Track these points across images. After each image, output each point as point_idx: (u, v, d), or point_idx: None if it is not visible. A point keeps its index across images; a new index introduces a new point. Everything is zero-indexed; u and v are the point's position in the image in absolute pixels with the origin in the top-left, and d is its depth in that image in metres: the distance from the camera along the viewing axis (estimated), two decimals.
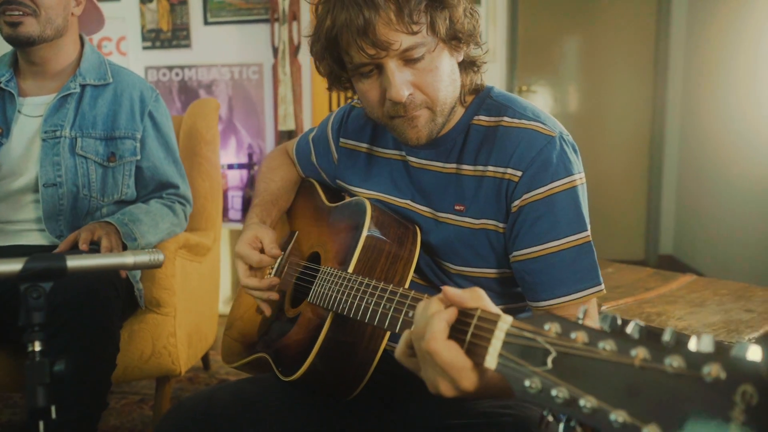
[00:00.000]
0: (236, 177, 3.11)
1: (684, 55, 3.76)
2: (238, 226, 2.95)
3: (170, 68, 3.15)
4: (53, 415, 0.71)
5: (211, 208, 2.05)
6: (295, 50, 2.96)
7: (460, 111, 0.99)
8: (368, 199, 1.07)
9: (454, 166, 0.98)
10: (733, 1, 3.09)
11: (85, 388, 1.21)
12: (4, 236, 1.51)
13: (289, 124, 2.97)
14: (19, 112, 1.51)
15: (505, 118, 0.95)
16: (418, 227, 1.02)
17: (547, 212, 0.90)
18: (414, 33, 0.85)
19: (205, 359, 2.24)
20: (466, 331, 0.63)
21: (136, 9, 3.11)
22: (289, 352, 1.00)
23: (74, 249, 1.33)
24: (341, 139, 1.16)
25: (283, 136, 2.99)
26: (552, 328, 0.55)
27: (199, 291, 1.91)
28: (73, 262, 0.75)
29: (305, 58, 3.02)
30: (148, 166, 1.60)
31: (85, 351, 1.22)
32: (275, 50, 2.97)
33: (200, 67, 3.13)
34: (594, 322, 0.91)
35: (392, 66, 0.87)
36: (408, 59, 0.87)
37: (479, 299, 0.64)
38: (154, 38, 3.12)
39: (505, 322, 0.59)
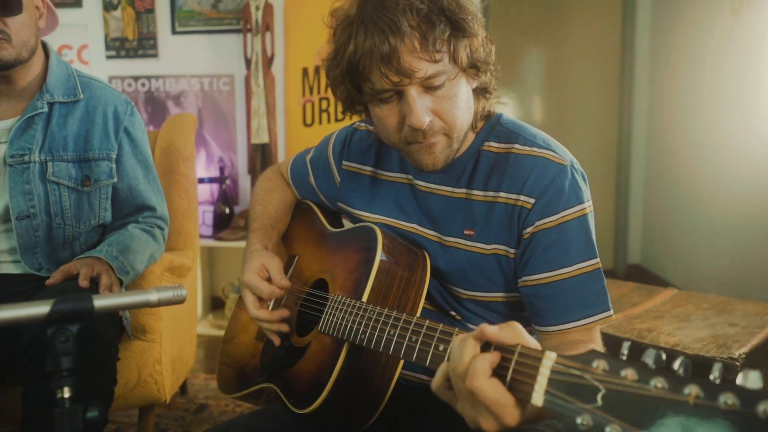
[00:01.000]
0: (206, 191, 3.09)
1: (649, 66, 3.92)
2: (211, 243, 2.93)
3: (136, 78, 3.10)
4: None
5: (189, 227, 2.04)
6: (268, 62, 2.97)
7: (470, 136, 1.03)
8: (374, 223, 1.10)
9: (464, 190, 1.02)
10: (697, 12, 3.26)
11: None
12: None
13: (263, 137, 2.97)
14: None
15: (516, 146, 1.00)
16: (426, 252, 1.05)
17: (558, 239, 0.95)
18: (436, 61, 0.89)
19: (182, 384, 2.22)
20: (507, 367, 0.66)
21: (99, 16, 3.06)
22: (301, 383, 1.01)
23: (67, 281, 1.32)
24: (344, 162, 1.18)
25: (256, 149, 2.99)
26: (600, 365, 0.59)
27: (181, 314, 1.90)
28: (101, 303, 0.75)
29: (279, 69, 3.02)
30: (124, 187, 1.55)
31: (84, 390, 1.20)
32: (248, 61, 2.97)
33: (168, 78, 3.10)
34: (599, 345, 0.97)
35: (413, 93, 0.90)
36: (429, 86, 0.91)
37: (518, 335, 0.68)
38: (118, 47, 3.07)
39: (549, 359, 0.63)
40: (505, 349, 0.67)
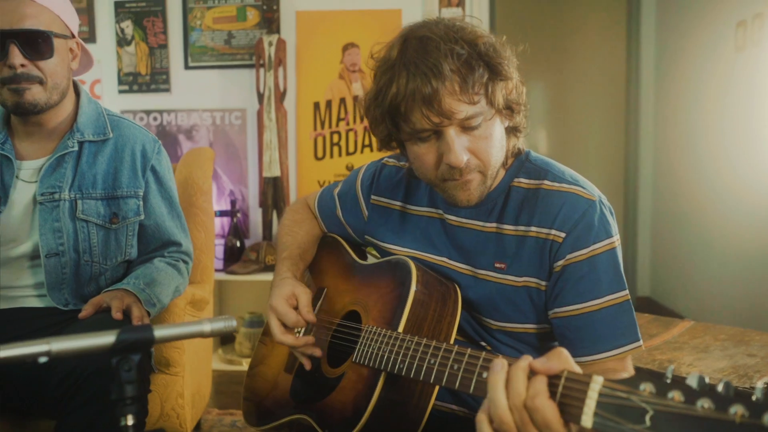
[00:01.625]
0: (218, 225, 3.15)
1: (654, 99, 4.04)
2: (221, 276, 2.97)
3: (148, 112, 3.19)
4: None
5: (206, 260, 2.09)
6: (281, 96, 3.06)
7: (501, 173, 1.09)
8: (406, 256, 1.15)
9: (494, 225, 1.08)
10: (701, 47, 3.37)
11: None
12: (6, 301, 1.50)
13: (275, 171, 3.05)
14: (17, 177, 1.48)
15: (546, 182, 1.06)
16: (457, 285, 1.11)
17: (589, 272, 1.01)
18: (475, 103, 0.96)
19: (197, 427, 2.24)
20: (555, 392, 0.71)
21: (113, 51, 3.16)
22: (336, 414, 1.05)
23: (98, 314, 1.37)
24: (373, 196, 1.24)
25: (268, 183, 3.06)
26: (647, 388, 0.65)
27: (199, 348, 1.94)
28: (161, 333, 0.80)
29: (291, 104, 3.12)
30: (150, 224, 1.59)
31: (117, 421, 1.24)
32: (260, 96, 3.06)
33: (180, 112, 3.18)
34: (630, 373, 1.01)
35: (452, 133, 0.97)
36: (466, 126, 0.97)
37: (565, 361, 0.73)
38: (131, 82, 3.17)
39: (597, 382, 0.68)
40: (553, 375, 0.72)
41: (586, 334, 1.01)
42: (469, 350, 0.88)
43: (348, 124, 3.17)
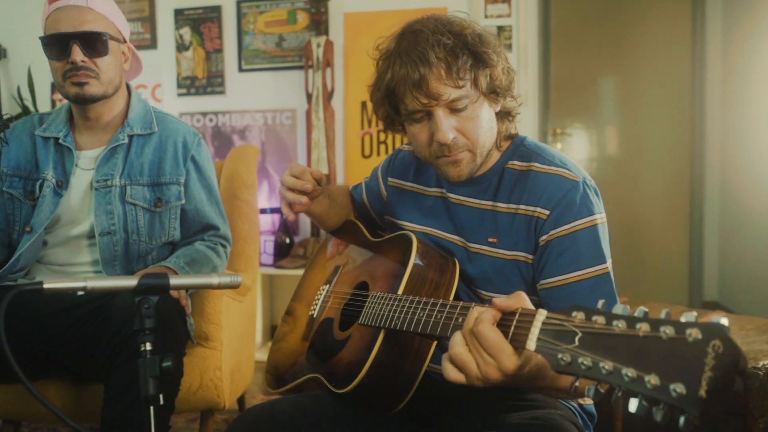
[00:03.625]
0: (268, 221, 3.37)
1: (721, 99, 3.97)
2: (271, 271, 3.19)
3: (204, 114, 3.47)
4: (161, 402, 0.94)
5: (249, 250, 2.29)
6: (328, 96, 3.26)
7: (496, 155, 1.23)
8: (415, 231, 1.29)
9: (490, 203, 1.21)
10: None
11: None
12: (66, 277, 1.74)
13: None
14: (76, 165, 1.74)
15: (536, 164, 1.19)
16: (456, 259, 1.24)
17: (570, 246, 1.13)
18: (460, 87, 1.10)
19: (240, 401, 2.43)
20: (510, 324, 0.84)
21: (172, 57, 3.46)
22: (342, 369, 1.19)
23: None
24: (389, 178, 1.40)
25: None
26: (578, 315, 0.76)
27: (239, 330, 2.13)
28: (175, 281, 1.00)
29: (338, 103, 3.31)
30: (191, 208, 1.82)
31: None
32: (309, 96, 3.27)
33: (234, 113, 3.44)
34: None
35: (440, 114, 1.11)
36: (454, 108, 1.11)
37: (521, 301, 0.86)
38: (189, 85, 3.46)
39: (542, 314, 0.81)
40: (511, 312, 0.86)
41: (567, 304, 1.10)
42: (451, 302, 1.02)
43: None
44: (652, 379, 0.65)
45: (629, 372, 0.67)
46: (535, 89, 3.45)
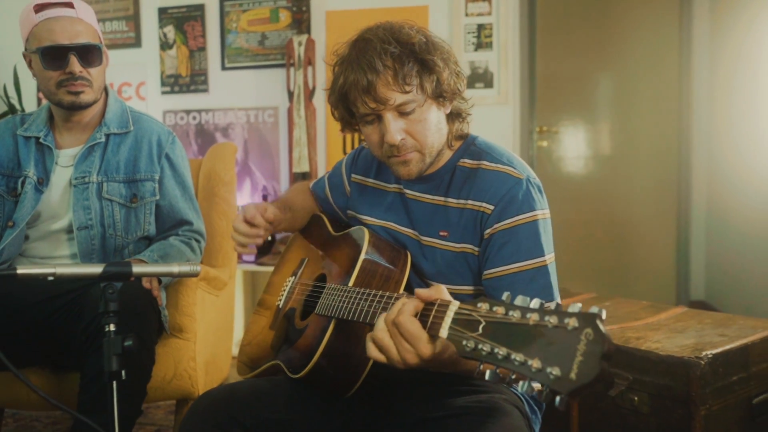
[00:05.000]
0: None
1: (708, 94, 4.03)
2: (251, 267, 3.29)
3: (188, 112, 3.57)
4: (123, 377, 1.12)
5: (227, 247, 2.39)
6: (310, 94, 3.36)
7: (448, 153, 1.33)
8: (374, 226, 1.40)
9: (442, 198, 1.32)
10: (757, 38, 3.40)
11: (125, 392, 1.54)
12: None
13: (304, 166, 3.35)
14: (56, 163, 1.86)
15: (485, 162, 1.30)
16: (409, 252, 1.34)
17: (511, 239, 1.23)
18: (406, 92, 1.20)
19: None
20: (429, 315, 0.95)
21: (156, 55, 3.56)
22: (298, 356, 1.30)
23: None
24: (353, 175, 1.51)
25: (297, 178, 3.36)
26: (483, 306, 0.87)
27: (216, 323, 2.23)
28: (137, 269, 1.14)
29: (320, 102, 3.41)
30: (165, 204, 1.94)
31: (130, 362, 1.55)
32: (291, 94, 3.37)
33: (217, 111, 3.54)
34: None
35: (389, 117, 1.21)
36: (402, 112, 1.22)
37: (440, 293, 0.97)
38: (172, 83, 3.56)
39: (455, 305, 0.92)
40: (431, 303, 0.96)
41: (504, 293, 1.23)
42: (387, 293, 1.13)
43: None
44: (535, 363, 0.76)
45: (518, 357, 0.78)
46: (517, 87, 3.54)
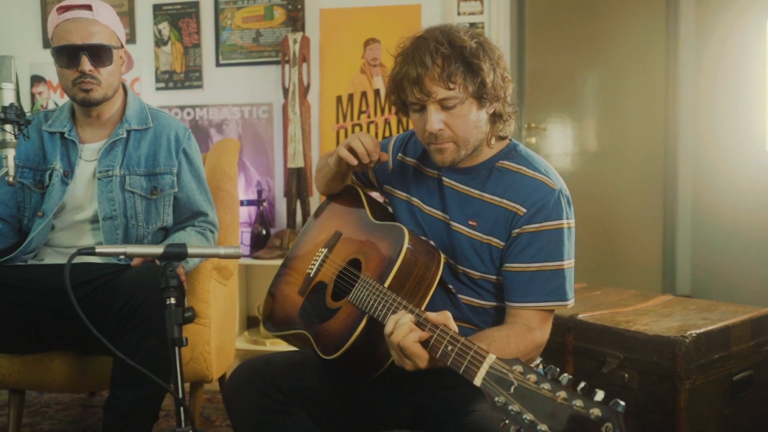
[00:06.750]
0: (245, 213, 3.48)
1: (693, 93, 4.04)
2: (248, 261, 3.31)
3: (182, 108, 3.54)
4: (185, 344, 1.26)
5: (231, 238, 2.41)
6: (304, 91, 3.36)
7: (487, 151, 1.42)
8: (404, 201, 1.52)
9: (478, 191, 1.42)
10: (742, 38, 3.44)
11: (156, 371, 1.61)
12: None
13: (298, 162, 3.35)
14: (80, 157, 1.94)
15: (524, 168, 1.40)
16: (442, 255, 1.43)
17: (536, 241, 1.34)
18: (450, 89, 1.30)
19: (222, 381, 2.60)
20: (432, 336, 1.12)
21: (151, 51, 3.51)
22: (329, 337, 1.39)
23: (145, 263, 1.78)
24: (399, 154, 1.59)
25: (292, 173, 3.37)
26: (517, 368, 0.93)
27: (224, 311, 2.28)
28: (191, 250, 1.28)
29: (314, 98, 3.41)
30: (183, 196, 2.02)
31: (161, 340, 1.61)
32: (285, 91, 3.36)
33: (211, 107, 3.52)
34: (543, 330, 1.35)
35: (431, 108, 1.32)
36: (444, 105, 1.32)
37: (446, 320, 1.14)
38: (167, 79, 3.51)
39: (491, 358, 0.99)
40: (434, 325, 1.13)
41: (522, 286, 1.34)
42: (417, 309, 1.20)
43: (369, 116, 3.45)
44: None
45: (543, 427, 0.85)
46: None
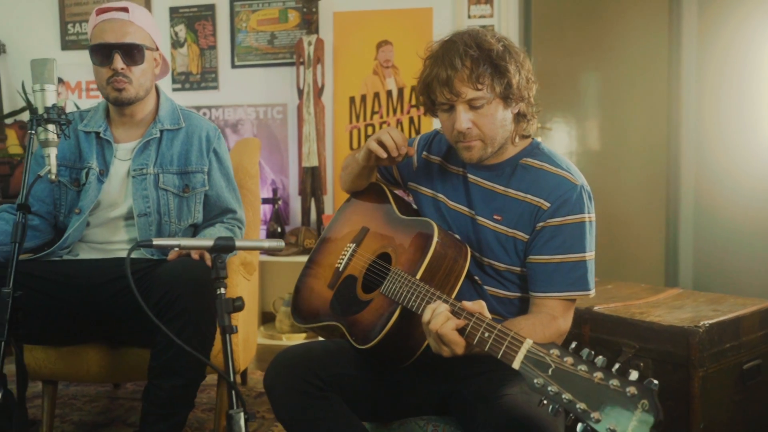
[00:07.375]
0: (260, 211, 3.54)
1: (696, 92, 4.06)
2: (263, 258, 3.35)
3: (198, 108, 3.59)
4: (235, 331, 1.30)
5: (253, 235, 2.47)
6: (319, 92, 3.42)
7: (512, 149, 1.48)
8: (429, 197, 1.56)
9: (502, 187, 1.47)
10: (744, 35, 3.51)
11: (192, 359, 1.68)
12: (105, 253, 2.00)
13: (312, 161, 3.42)
14: (114, 156, 2.00)
15: (547, 165, 1.46)
16: (468, 248, 1.48)
17: (559, 234, 1.40)
18: (478, 90, 1.35)
19: (243, 374, 2.66)
20: (468, 324, 1.18)
21: (167, 53, 3.56)
22: (362, 328, 1.44)
23: (180, 257, 1.84)
24: (424, 152, 1.64)
25: (306, 172, 3.43)
26: (554, 352, 0.99)
27: (246, 306, 2.32)
28: (239, 243, 1.33)
29: (328, 99, 3.47)
30: (213, 194, 2.07)
31: (198, 331, 1.71)
32: (300, 92, 3.42)
33: (227, 108, 3.58)
34: (566, 319, 1.41)
35: (460, 108, 1.38)
36: (472, 105, 1.37)
37: (481, 308, 1.19)
38: (183, 80, 3.57)
39: (528, 343, 1.04)
40: (469, 313, 1.18)
41: (546, 277, 1.40)
42: (451, 299, 1.26)
43: (381, 117, 3.51)
44: (596, 415, 0.89)
45: (582, 405, 0.91)
46: None
